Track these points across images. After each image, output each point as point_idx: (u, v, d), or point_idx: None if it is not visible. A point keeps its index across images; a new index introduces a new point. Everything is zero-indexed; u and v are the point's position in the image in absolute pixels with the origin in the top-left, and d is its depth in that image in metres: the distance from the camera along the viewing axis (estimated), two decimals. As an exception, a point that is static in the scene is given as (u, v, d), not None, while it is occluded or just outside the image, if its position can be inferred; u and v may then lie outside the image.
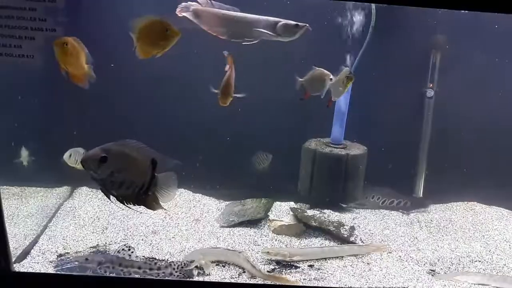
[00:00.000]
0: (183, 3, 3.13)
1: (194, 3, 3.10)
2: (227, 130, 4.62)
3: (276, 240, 4.06)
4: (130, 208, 2.77)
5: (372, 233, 4.28)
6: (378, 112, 4.60)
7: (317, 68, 3.64)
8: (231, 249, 3.78)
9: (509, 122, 4.73)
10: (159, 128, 4.51)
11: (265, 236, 4.09)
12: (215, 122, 4.55)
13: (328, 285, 3.55)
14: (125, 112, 4.54)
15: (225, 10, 3.15)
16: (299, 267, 3.69)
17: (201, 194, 4.79)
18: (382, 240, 4.20)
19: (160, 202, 2.84)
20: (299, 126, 4.67)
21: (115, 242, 3.87)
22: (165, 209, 2.85)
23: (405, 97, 4.63)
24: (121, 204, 2.71)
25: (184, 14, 3.12)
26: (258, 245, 3.96)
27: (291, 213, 4.27)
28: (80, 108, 4.52)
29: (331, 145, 4.53)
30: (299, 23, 3.14)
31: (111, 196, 2.69)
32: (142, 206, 2.80)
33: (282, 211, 4.36)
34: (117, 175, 2.58)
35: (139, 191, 2.76)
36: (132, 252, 3.55)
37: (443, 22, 4.43)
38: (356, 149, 4.53)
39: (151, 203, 2.86)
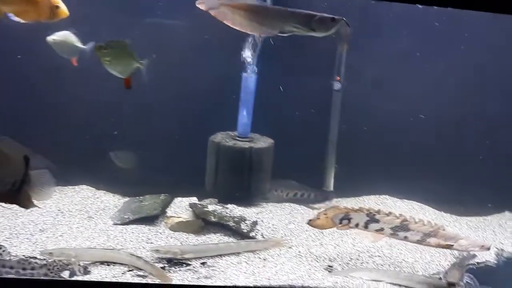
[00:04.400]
0: None
1: None
2: (133, 124, 4.39)
3: (172, 237, 3.91)
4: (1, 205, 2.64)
5: (276, 228, 4.15)
6: (286, 105, 4.49)
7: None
8: (110, 247, 3.60)
9: (420, 114, 4.70)
10: (66, 123, 4.29)
11: (161, 234, 3.93)
12: (121, 116, 4.35)
13: (214, 284, 3.49)
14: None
15: (254, 2, 2.86)
16: (190, 264, 3.53)
17: (104, 191, 4.58)
18: (285, 235, 4.09)
19: (35, 200, 2.74)
20: (210, 118, 4.49)
21: (-3, 242, 3.75)
22: (38, 207, 2.72)
23: (313, 90, 4.51)
24: (-9, 201, 2.59)
25: (205, 8, 2.81)
26: (151, 243, 3.78)
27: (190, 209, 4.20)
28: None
29: (237, 138, 4.41)
30: (335, 17, 2.83)
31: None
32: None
33: (182, 207, 4.17)
34: (-13, 172, 2.51)
35: (11, 189, 2.64)
36: (4, 251, 3.38)
37: (349, 13, 4.42)
38: (262, 142, 4.42)
39: (24, 201, 2.73)
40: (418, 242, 3.30)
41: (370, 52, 4.37)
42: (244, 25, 2.92)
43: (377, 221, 3.31)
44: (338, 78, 4.45)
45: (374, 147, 4.67)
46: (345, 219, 3.36)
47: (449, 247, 3.26)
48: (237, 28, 2.94)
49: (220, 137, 4.43)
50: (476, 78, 4.59)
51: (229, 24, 2.91)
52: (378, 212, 3.37)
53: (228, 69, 4.25)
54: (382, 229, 3.33)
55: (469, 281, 3.66)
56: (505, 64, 4.59)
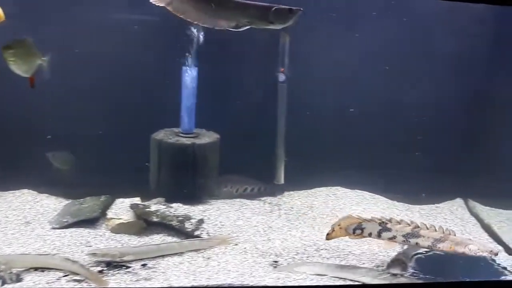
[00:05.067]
0: None
1: None
2: (74, 124, 4.22)
3: (113, 239, 3.79)
4: None
5: (223, 225, 4.07)
6: (232, 99, 4.38)
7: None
8: (44, 253, 3.47)
9: (370, 103, 4.57)
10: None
11: (101, 236, 3.80)
12: (59, 115, 4.21)
13: (152, 286, 3.41)
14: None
15: None
16: (130, 267, 3.41)
17: (47, 195, 4.41)
18: (232, 231, 4.01)
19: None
20: (155, 115, 4.33)
21: None
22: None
23: (259, 83, 4.41)
24: None
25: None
26: (91, 246, 3.64)
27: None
28: None
29: (181, 134, 4.30)
30: (293, 8, 2.75)
31: None
32: None
33: (124, 208, 4.02)
34: None
35: None
36: None
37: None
38: (206, 138, 4.32)
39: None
40: (429, 247, 3.36)
41: (312, 41, 4.32)
42: (197, 18, 2.83)
43: (389, 229, 3.39)
44: (282, 69, 4.33)
45: (324, 138, 4.58)
46: (358, 229, 3.46)
47: (458, 251, 3.31)
48: (190, 21, 2.86)
49: (162, 135, 4.32)
50: (416, 69, 4.50)
51: (182, 17, 2.81)
52: (390, 220, 3.45)
53: (168, 63, 4.12)
54: (394, 237, 3.41)
55: (414, 271, 3.67)
56: (448, 52, 4.58)
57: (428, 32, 4.46)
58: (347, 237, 3.53)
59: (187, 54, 4.11)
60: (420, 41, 4.46)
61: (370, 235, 3.45)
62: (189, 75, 4.15)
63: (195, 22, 2.88)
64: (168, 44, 4.15)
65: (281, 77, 4.35)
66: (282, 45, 4.30)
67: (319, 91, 4.48)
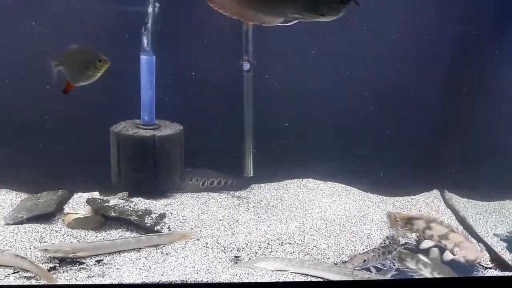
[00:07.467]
0: None
1: None
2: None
3: (69, 235, 3.66)
4: None
5: (186, 220, 3.94)
6: (196, 89, 4.23)
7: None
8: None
9: (341, 92, 4.40)
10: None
11: (57, 232, 3.68)
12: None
13: (103, 282, 3.30)
14: None
15: None
16: (84, 263, 3.31)
17: (7, 190, 4.26)
18: (196, 226, 3.88)
19: None
20: (116, 107, 4.21)
21: None
22: None
23: (223, 72, 4.23)
24: None
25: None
26: (45, 242, 3.55)
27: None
28: None
29: (141, 126, 4.14)
30: None
31: None
32: None
33: (82, 203, 3.87)
34: None
35: None
36: None
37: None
38: (168, 130, 4.16)
39: None
40: (450, 250, 3.60)
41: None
42: (243, 14, 2.61)
43: (430, 228, 3.73)
44: (246, 57, 4.16)
45: (293, 129, 4.42)
46: (408, 224, 3.83)
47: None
48: (235, 18, 2.62)
49: (121, 127, 4.16)
50: (388, 57, 4.30)
51: (226, 14, 2.60)
52: (434, 220, 3.80)
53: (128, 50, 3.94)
54: (432, 236, 3.71)
55: (379, 266, 3.53)
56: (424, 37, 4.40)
57: (399, 18, 4.23)
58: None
59: (144, 41, 3.92)
60: (391, 28, 4.21)
61: (417, 231, 3.78)
62: (147, 63, 3.95)
63: (241, 19, 2.71)
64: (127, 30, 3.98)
65: (246, 66, 4.18)
66: (245, 32, 4.13)
67: (286, 79, 4.29)
